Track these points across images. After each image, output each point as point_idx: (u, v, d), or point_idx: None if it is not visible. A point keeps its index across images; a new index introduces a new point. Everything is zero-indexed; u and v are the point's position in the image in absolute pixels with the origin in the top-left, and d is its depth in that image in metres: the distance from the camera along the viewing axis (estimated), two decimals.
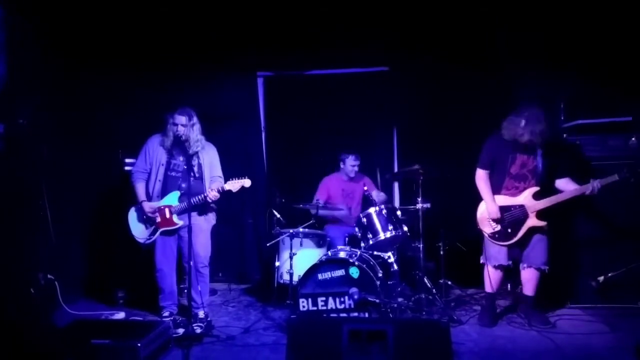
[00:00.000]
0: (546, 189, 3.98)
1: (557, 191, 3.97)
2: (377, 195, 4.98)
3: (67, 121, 4.85)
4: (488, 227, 4.03)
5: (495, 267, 4.05)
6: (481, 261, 4.15)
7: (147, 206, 4.11)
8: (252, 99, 5.71)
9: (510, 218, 3.96)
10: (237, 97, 5.63)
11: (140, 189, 4.17)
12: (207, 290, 4.30)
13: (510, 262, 4.04)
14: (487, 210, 4.00)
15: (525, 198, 3.95)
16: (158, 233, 4.14)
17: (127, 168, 4.80)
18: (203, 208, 4.19)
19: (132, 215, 4.23)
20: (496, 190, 4.04)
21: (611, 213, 4.33)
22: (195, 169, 4.11)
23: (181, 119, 4.07)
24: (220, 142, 4.47)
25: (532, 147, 3.92)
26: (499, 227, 3.99)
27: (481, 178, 4.07)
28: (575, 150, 4.41)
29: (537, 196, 3.94)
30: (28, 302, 4.17)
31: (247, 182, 4.08)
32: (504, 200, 4.00)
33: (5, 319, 3.73)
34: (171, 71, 5.35)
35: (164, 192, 4.15)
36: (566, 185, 3.97)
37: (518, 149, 3.95)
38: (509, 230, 3.96)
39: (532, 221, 3.93)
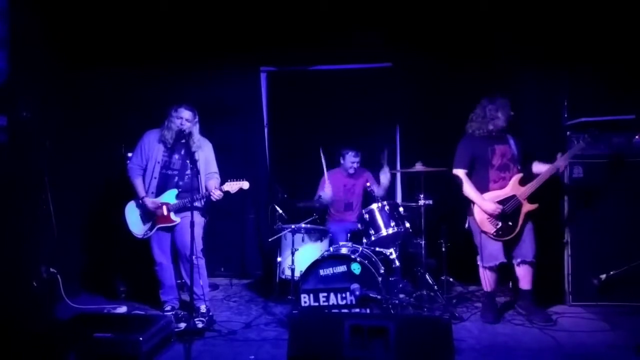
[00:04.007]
0: (526, 173, 4.09)
1: (534, 175, 4.05)
2: (378, 190, 4.94)
3: (70, 115, 4.85)
4: (491, 227, 4.00)
5: (492, 268, 4.04)
6: (478, 263, 4.13)
7: (150, 202, 4.09)
8: (255, 94, 5.68)
9: (509, 210, 3.97)
10: (240, 92, 5.61)
11: (140, 185, 4.15)
12: (205, 282, 4.28)
13: (505, 259, 4.04)
14: (486, 210, 3.98)
15: (513, 187, 4.00)
16: (155, 229, 4.14)
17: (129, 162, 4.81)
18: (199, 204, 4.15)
19: (130, 210, 4.22)
20: (483, 185, 4.04)
21: (614, 210, 4.31)
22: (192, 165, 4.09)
23: (187, 114, 4.06)
24: (222, 138, 4.45)
25: (503, 135, 4.06)
26: (500, 224, 3.98)
27: (464, 179, 4.07)
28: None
29: (522, 182, 4.01)
30: (30, 295, 4.19)
31: (245, 185, 4.05)
32: (494, 195, 4.01)
33: (7, 312, 3.75)
34: (173, 66, 5.33)
35: (159, 190, 4.13)
36: (538, 167, 4.07)
37: (494, 141, 4.05)
38: (510, 223, 3.97)
39: (526, 207, 3.98)
